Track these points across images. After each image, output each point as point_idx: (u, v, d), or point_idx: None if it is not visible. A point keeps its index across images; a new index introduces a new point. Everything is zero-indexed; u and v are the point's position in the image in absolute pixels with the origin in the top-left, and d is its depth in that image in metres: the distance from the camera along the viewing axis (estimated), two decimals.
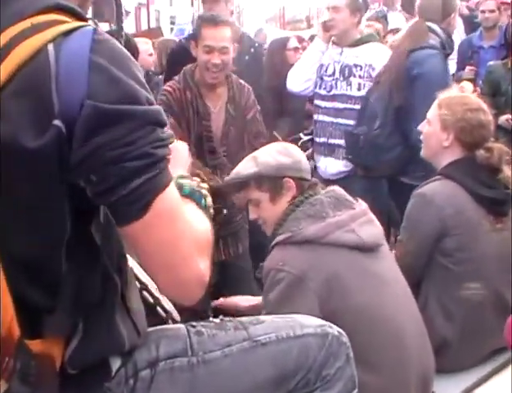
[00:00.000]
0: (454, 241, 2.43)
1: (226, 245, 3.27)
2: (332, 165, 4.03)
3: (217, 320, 1.42)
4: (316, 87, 4.08)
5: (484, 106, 2.55)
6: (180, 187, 1.26)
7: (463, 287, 2.43)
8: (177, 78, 3.26)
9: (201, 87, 3.22)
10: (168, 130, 1.13)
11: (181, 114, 3.17)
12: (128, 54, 1.11)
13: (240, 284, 3.30)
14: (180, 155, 1.41)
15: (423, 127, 2.65)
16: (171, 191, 1.12)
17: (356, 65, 3.89)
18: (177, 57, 4.31)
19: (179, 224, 1.13)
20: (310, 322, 1.48)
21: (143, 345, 1.30)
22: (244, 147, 3.32)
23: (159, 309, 1.60)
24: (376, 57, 3.88)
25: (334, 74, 3.98)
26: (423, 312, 2.43)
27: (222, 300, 2.54)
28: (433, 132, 2.58)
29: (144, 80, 1.11)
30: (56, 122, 1.02)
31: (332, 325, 1.50)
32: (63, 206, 1.08)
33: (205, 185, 1.34)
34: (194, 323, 1.40)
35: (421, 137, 2.67)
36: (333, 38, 4.00)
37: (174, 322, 1.66)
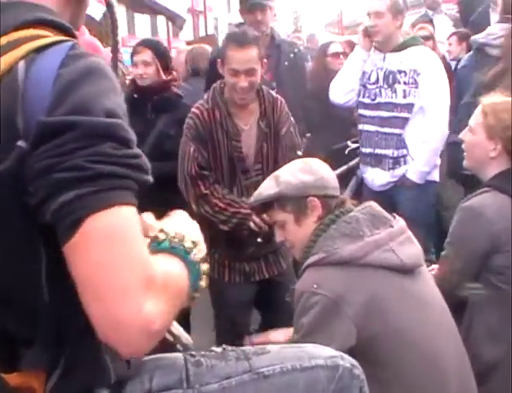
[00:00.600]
0: (505, 258, 2.26)
1: (269, 263, 3.15)
2: (379, 176, 3.87)
3: (218, 349, 1.33)
4: (359, 95, 3.93)
5: None
6: (182, 250, 1.10)
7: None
8: (205, 96, 3.15)
9: (231, 105, 3.08)
10: (134, 149, 1.02)
11: (210, 136, 3.06)
12: (106, 69, 1.03)
13: (285, 302, 3.21)
14: (185, 225, 1.20)
15: (465, 136, 2.49)
16: (119, 214, 0.97)
17: (400, 71, 3.72)
18: (215, 68, 4.24)
19: (120, 251, 0.96)
20: (320, 354, 1.37)
21: (136, 376, 1.22)
22: (279, 162, 3.21)
23: (165, 333, 1.52)
24: (421, 62, 3.71)
25: (377, 81, 3.82)
26: (467, 334, 2.29)
27: (255, 339, 2.46)
28: (477, 141, 2.40)
29: (118, 96, 1.03)
30: (20, 143, 0.96)
31: (344, 356, 1.39)
32: (33, 229, 1.01)
33: (195, 238, 1.15)
34: (193, 353, 1.31)
35: (463, 146, 2.50)
36: (374, 43, 3.85)
37: (184, 346, 1.58)
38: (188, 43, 11.03)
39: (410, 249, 1.99)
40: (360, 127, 3.97)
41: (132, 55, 3.81)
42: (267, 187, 2.17)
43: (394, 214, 2.08)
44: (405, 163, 3.76)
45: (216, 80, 3.31)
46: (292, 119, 3.26)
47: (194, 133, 3.04)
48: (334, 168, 4.57)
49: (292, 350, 1.38)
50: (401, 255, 1.92)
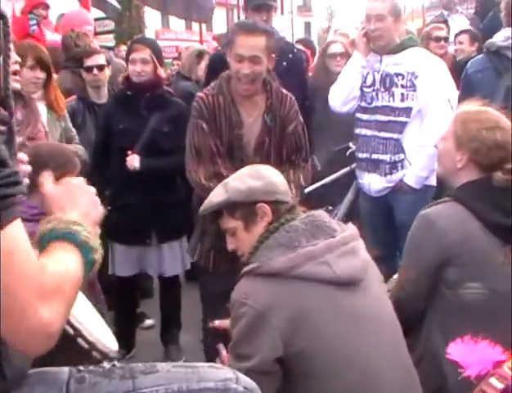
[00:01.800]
0: (457, 272, 2.18)
1: None
2: (376, 182, 3.79)
3: (108, 365, 1.31)
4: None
5: (505, 122, 2.28)
6: (72, 234, 1.20)
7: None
8: (213, 84, 3.17)
9: (236, 94, 3.10)
10: (9, 169, 1.05)
11: (213, 121, 3.08)
12: None
13: None
14: (77, 196, 1.31)
15: (438, 143, 2.43)
16: (10, 234, 1.05)
17: (397, 75, 3.62)
18: (214, 66, 4.21)
19: (15, 271, 1.04)
20: (212, 376, 1.36)
21: (15, 390, 1.21)
22: (283, 161, 3.20)
23: (80, 340, 1.50)
24: (418, 64, 3.61)
25: (374, 84, 3.73)
26: (425, 346, 2.24)
27: (217, 322, 2.41)
28: (447, 150, 2.34)
29: None
30: None
31: (240, 379, 1.37)
32: None
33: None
34: (81, 368, 1.31)
35: (437, 153, 2.44)
36: (371, 45, 3.75)
37: (101, 353, 1.56)
38: (214, 38, 11.00)
39: (350, 261, 1.94)
40: (357, 131, 3.89)
41: (129, 52, 3.81)
42: (216, 195, 2.14)
43: (348, 223, 2.06)
44: (402, 168, 3.69)
45: (214, 76, 3.32)
46: (301, 118, 3.23)
47: (200, 115, 3.07)
48: (335, 169, 4.57)
49: (184, 370, 1.37)
50: (336, 269, 1.88)
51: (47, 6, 5.91)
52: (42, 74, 3.58)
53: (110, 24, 13.37)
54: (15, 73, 2.81)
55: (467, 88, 4.00)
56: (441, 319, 2.22)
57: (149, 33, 18.37)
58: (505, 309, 2.19)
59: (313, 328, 1.84)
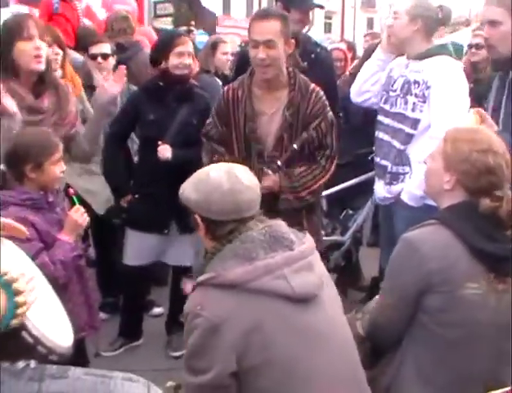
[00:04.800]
0: (438, 300, 2.09)
1: None
2: (380, 189, 3.63)
3: (22, 365, 1.32)
4: (381, 100, 3.68)
5: (498, 145, 2.14)
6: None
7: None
8: (240, 77, 3.28)
9: (258, 87, 3.15)
10: None
11: (231, 113, 3.17)
12: None
13: None
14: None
15: (426, 161, 2.32)
16: None
17: (415, 82, 3.43)
18: (240, 63, 4.19)
19: None
20: (121, 390, 1.34)
21: None
22: (305, 158, 3.21)
23: (24, 334, 1.52)
24: (434, 74, 3.35)
25: (397, 89, 3.55)
26: (398, 372, 2.18)
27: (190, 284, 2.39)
28: (435, 169, 2.23)
29: None
30: None
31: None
32: None
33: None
34: None
35: (424, 172, 2.35)
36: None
37: (47, 348, 1.58)
38: None
39: (306, 277, 1.89)
40: (376, 134, 3.74)
41: (175, 45, 3.65)
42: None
43: (304, 234, 2.01)
44: (403, 181, 3.47)
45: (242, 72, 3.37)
46: (330, 115, 3.21)
47: (216, 107, 3.27)
48: (356, 173, 4.49)
49: (94, 379, 1.35)
50: (293, 283, 1.84)
51: None
52: (60, 51, 3.70)
53: (169, 8, 13.57)
54: (37, 56, 2.90)
55: None
56: (417, 349, 2.15)
57: None
58: (485, 340, 2.12)
59: (266, 343, 1.80)
